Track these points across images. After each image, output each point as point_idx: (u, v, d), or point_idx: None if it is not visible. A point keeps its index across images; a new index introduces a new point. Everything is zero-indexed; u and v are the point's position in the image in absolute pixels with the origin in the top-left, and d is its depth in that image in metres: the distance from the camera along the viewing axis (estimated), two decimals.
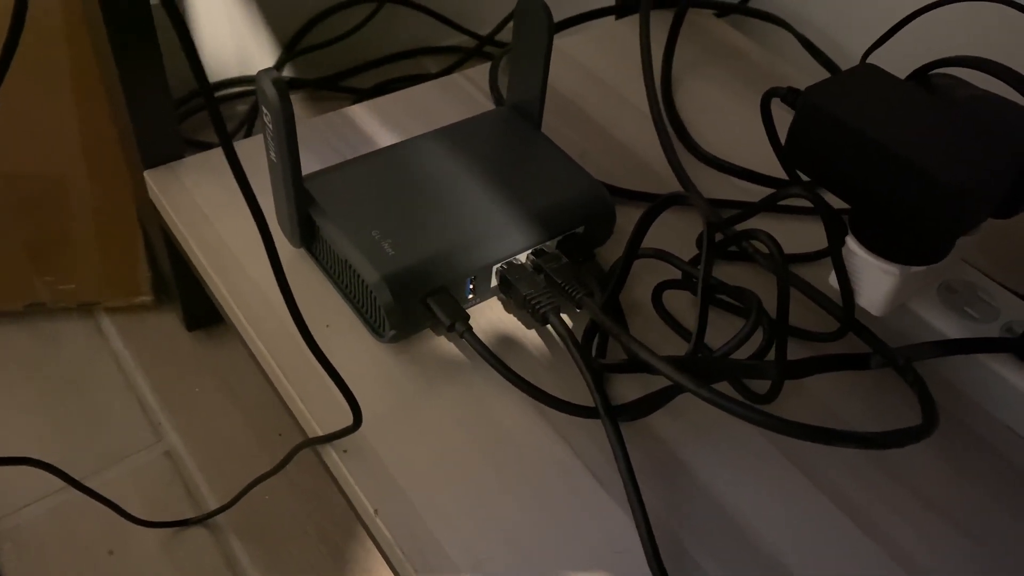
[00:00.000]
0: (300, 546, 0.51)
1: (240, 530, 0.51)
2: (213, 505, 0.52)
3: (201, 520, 0.51)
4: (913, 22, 0.49)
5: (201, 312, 0.60)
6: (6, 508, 0.51)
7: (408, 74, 0.82)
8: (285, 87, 0.37)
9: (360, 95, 0.79)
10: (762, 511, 0.38)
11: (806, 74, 0.64)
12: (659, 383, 0.41)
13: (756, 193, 0.53)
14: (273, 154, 0.40)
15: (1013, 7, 0.45)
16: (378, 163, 0.46)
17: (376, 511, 0.36)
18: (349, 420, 0.38)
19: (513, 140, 0.48)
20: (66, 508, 0.51)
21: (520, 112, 0.49)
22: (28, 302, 0.60)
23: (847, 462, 0.40)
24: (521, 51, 0.46)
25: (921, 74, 0.42)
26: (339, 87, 0.80)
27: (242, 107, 0.76)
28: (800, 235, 0.50)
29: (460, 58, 0.84)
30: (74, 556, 0.50)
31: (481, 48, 0.83)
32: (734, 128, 0.57)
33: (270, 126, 0.39)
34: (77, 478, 0.45)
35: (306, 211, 0.43)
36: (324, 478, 0.54)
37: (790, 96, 0.42)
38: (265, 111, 0.38)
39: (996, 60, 0.40)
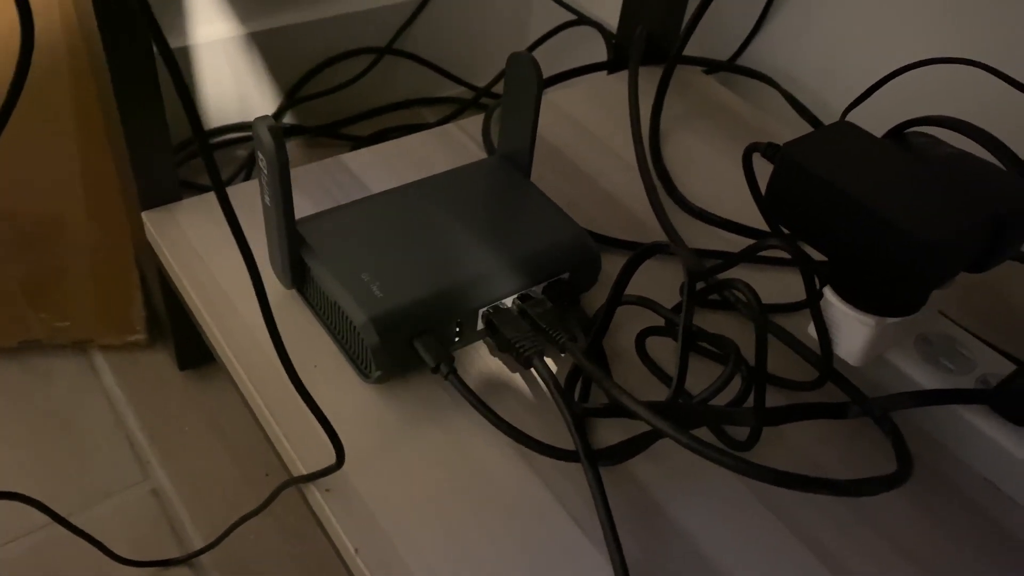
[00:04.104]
0: None
1: (224, 569, 0.51)
2: (198, 544, 0.52)
3: (185, 560, 0.51)
4: (893, 81, 0.50)
5: (193, 351, 0.61)
6: None
7: (406, 123, 0.83)
8: (281, 134, 0.38)
9: (358, 143, 0.80)
10: (740, 557, 0.38)
11: (791, 130, 0.66)
12: (640, 428, 0.42)
13: (739, 244, 0.54)
14: (267, 198, 0.42)
15: (987, 70, 0.47)
16: (370, 208, 0.47)
17: (357, 550, 0.37)
18: (332, 460, 0.38)
19: (502, 188, 0.49)
20: (48, 546, 0.52)
21: (510, 161, 0.50)
22: (22, 339, 0.61)
23: (825, 510, 0.40)
24: (512, 103, 0.48)
25: (897, 132, 0.44)
26: (338, 135, 0.81)
27: (242, 152, 0.78)
28: (781, 286, 0.51)
29: (457, 109, 0.86)
30: None
31: (478, 99, 0.85)
32: (719, 180, 0.59)
33: (265, 171, 0.40)
34: (62, 515, 0.46)
35: (298, 253, 0.44)
36: (308, 518, 0.54)
37: (769, 151, 0.43)
38: (260, 156, 0.40)
39: (971, 120, 0.42)
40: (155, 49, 0.46)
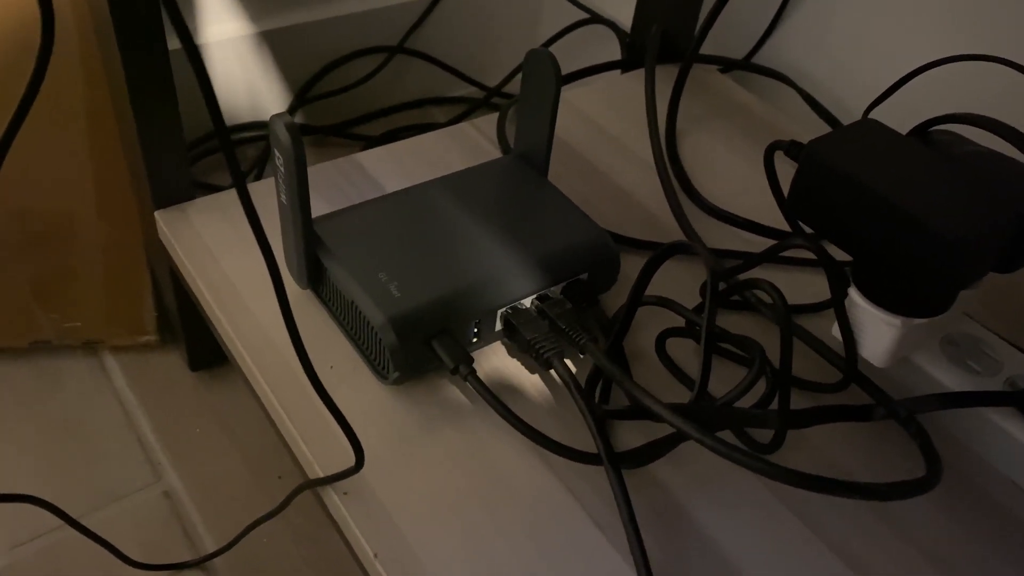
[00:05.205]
0: None
1: (236, 573, 0.51)
2: (210, 547, 0.52)
3: (197, 563, 0.51)
4: (914, 79, 0.50)
5: (205, 352, 0.60)
6: None
7: (416, 123, 0.83)
8: (297, 131, 0.38)
9: (369, 142, 0.80)
10: (764, 563, 0.37)
11: (808, 128, 0.65)
12: (662, 430, 0.41)
13: (758, 244, 0.53)
14: (284, 196, 0.41)
15: (1012, 66, 0.46)
16: (386, 207, 0.46)
17: (376, 555, 0.36)
18: (350, 462, 0.37)
19: (520, 187, 0.48)
20: (59, 548, 0.51)
21: (527, 160, 0.50)
22: (33, 339, 0.60)
23: (849, 514, 0.40)
24: (529, 101, 0.47)
25: (922, 130, 0.43)
26: (349, 134, 0.81)
27: (253, 151, 0.77)
28: (803, 286, 0.50)
29: (467, 108, 0.85)
30: None
31: (488, 99, 0.85)
32: (737, 179, 0.58)
33: (282, 169, 0.40)
34: (73, 517, 0.45)
35: (314, 252, 0.43)
36: (321, 521, 0.54)
37: (793, 149, 0.43)
38: (277, 154, 0.39)
39: (995, 117, 0.41)
40: (169, 46, 0.46)
